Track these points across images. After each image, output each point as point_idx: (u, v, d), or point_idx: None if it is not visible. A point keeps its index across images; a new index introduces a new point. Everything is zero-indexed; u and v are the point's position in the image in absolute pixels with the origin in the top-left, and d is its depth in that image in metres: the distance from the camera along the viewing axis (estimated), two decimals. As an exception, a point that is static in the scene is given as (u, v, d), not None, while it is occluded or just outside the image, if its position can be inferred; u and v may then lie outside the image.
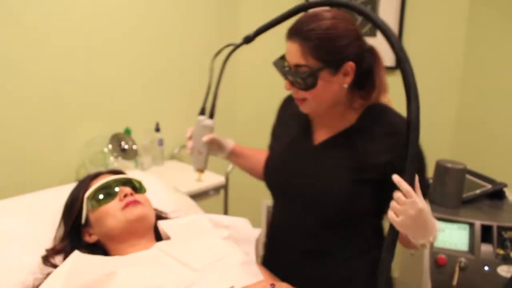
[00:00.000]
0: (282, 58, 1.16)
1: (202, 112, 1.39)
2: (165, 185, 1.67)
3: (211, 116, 1.38)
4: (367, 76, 1.16)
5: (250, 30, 2.46)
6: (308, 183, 1.21)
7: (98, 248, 1.27)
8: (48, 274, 1.19)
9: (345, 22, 1.10)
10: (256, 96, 2.57)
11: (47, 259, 1.25)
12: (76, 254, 1.15)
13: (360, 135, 1.18)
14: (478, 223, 1.83)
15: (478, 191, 2.03)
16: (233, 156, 1.46)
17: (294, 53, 1.11)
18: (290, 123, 1.34)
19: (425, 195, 1.06)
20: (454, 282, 1.83)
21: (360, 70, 1.13)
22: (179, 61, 2.27)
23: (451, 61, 2.41)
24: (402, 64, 0.98)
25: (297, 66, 1.11)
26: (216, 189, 2.10)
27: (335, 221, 1.21)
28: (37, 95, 1.79)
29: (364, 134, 1.18)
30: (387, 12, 2.32)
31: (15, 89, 1.73)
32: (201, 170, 1.41)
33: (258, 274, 1.16)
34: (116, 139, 1.93)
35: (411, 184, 0.98)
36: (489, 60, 2.36)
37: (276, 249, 1.34)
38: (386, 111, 1.19)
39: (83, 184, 1.33)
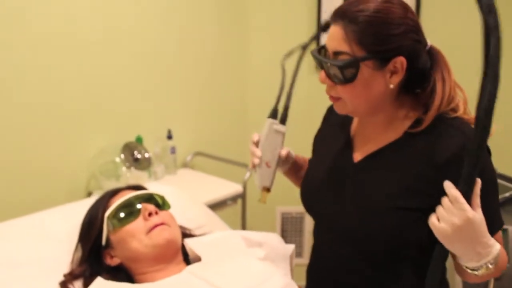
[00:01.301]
0: (322, 48, 0.98)
1: (273, 115, 1.14)
2: (186, 198, 1.56)
3: (283, 121, 1.15)
4: (421, 78, 0.97)
5: (260, 33, 2.38)
6: (343, 210, 1.03)
7: (121, 272, 1.16)
8: (67, 303, 1.09)
9: (402, 8, 0.92)
10: (269, 93, 2.45)
11: (65, 285, 1.15)
12: (100, 282, 1.04)
13: (408, 150, 0.98)
14: (511, 229, 1.74)
15: (507, 194, 1.94)
16: (293, 168, 1.23)
17: (336, 37, 0.93)
18: (331, 134, 1.16)
19: (495, 227, 0.90)
20: (490, 292, 1.74)
21: (413, 71, 0.94)
22: (189, 66, 2.18)
23: (468, 61, 2.31)
24: (490, 31, 0.76)
25: (337, 53, 0.93)
26: (234, 198, 2.00)
27: (375, 254, 1.02)
28: (43, 104, 1.70)
29: (413, 149, 0.97)
30: None
31: (20, 98, 1.64)
32: (267, 189, 1.15)
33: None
34: (128, 149, 1.82)
35: (467, 190, 0.82)
36: (506, 60, 2.27)
37: (315, 279, 1.18)
38: (445, 120, 0.96)
39: (102, 202, 1.22)
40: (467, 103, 0.98)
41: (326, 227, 1.12)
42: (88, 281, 1.14)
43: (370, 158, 1.03)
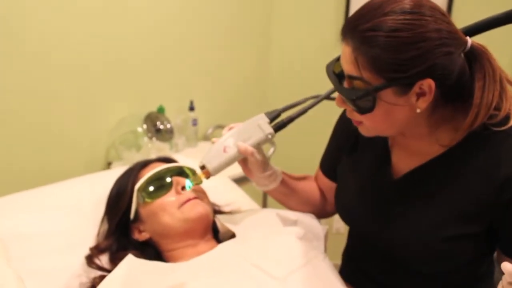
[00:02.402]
0: (338, 60, 0.84)
1: (269, 115, 1.04)
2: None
3: (277, 128, 1.03)
4: (459, 91, 0.81)
5: (284, 6, 2.26)
6: (386, 233, 0.94)
7: (150, 247, 1.11)
8: (94, 278, 1.04)
9: (431, 16, 0.75)
10: (291, 69, 2.37)
11: (91, 259, 1.09)
12: (131, 259, 0.98)
13: (461, 165, 0.86)
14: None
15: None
16: (282, 190, 1.11)
17: (347, 60, 0.79)
18: (361, 145, 1.02)
19: None
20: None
21: (445, 87, 0.79)
22: (214, 36, 2.08)
23: (501, 54, 2.17)
24: None
25: (351, 77, 0.80)
26: (256, 174, 1.93)
27: (422, 274, 0.95)
28: (64, 72, 1.63)
29: (464, 165, 0.85)
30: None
31: (40, 67, 1.57)
32: (207, 172, 1.01)
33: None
34: (150, 119, 1.75)
35: None
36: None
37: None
38: (505, 131, 0.82)
39: (131, 173, 1.15)
40: None
41: (367, 242, 1.03)
42: (114, 256, 1.09)
43: (412, 176, 0.92)
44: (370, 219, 0.99)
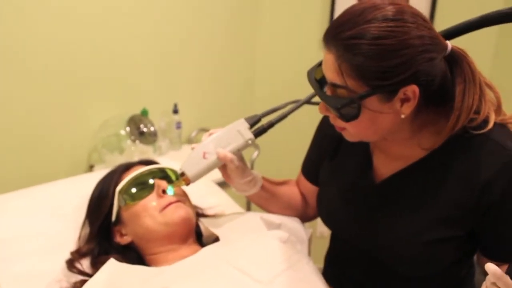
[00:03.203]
0: (320, 65, 0.83)
1: (250, 120, 1.03)
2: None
3: (258, 133, 1.03)
4: (441, 94, 0.82)
5: (271, 11, 2.27)
6: (369, 237, 0.95)
7: (132, 251, 1.09)
8: (75, 283, 1.02)
9: (413, 23, 0.75)
10: (278, 72, 2.37)
11: (72, 264, 1.07)
12: (113, 263, 0.97)
13: (442, 169, 0.86)
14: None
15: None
16: (263, 195, 1.11)
17: (329, 68, 0.79)
18: (343, 149, 1.02)
19: None
20: None
21: (429, 92, 0.79)
22: (199, 38, 2.07)
23: (481, 55, 2.20)
24: None
25: (335, 86, 0.79)
26: (240, 177, 1.92)
27: (405, 276, 0.96)
28: (46, 73, 1.60)
29: (445, 169, 0.86)
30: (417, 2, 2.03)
31: (21, 67, 1.54)
32: (187, 179, 1.02)
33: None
34: (133, 122, 1.74)
35: None
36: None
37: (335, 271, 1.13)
38: (484, 134, 0.83)
39: (113, 176, 1.14)
40: (501, 100, 0.86)
41: (350, 246, 1.04)
42: (96, 260, 1.07)
43: (394, 180, 0.92)
44: (352, 223, 0.99)
